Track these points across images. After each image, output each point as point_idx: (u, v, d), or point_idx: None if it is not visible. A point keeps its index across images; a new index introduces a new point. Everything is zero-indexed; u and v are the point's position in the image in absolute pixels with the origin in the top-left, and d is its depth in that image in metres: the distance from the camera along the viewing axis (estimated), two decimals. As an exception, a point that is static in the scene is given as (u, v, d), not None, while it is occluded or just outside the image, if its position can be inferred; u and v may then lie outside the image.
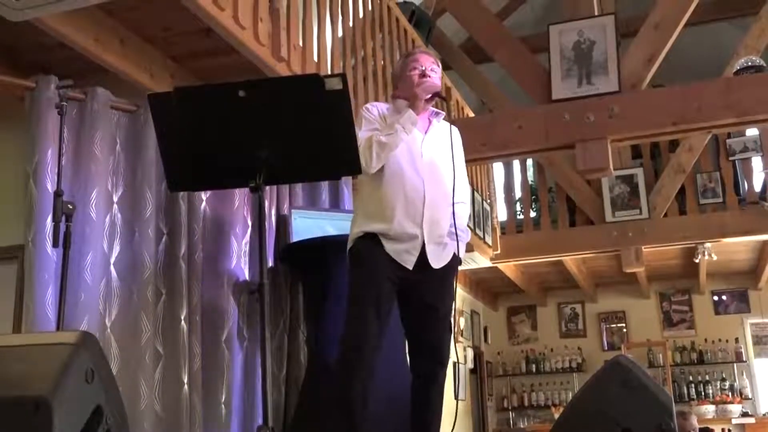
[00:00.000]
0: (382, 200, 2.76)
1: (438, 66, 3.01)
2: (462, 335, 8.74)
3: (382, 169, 2.76)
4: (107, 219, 3.13)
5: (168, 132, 2.23)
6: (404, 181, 2.77)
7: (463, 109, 6.92)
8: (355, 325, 2.61)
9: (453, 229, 2.83)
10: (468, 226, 6.48)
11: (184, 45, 3.44)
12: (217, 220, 3.53)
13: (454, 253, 2.83)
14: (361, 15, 4.72)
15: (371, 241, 2.72)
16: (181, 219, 3.32)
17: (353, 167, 2.34)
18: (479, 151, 4.66)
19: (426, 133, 2.90)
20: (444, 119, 3.03)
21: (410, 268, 2.71)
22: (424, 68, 2.93)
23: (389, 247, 2.71)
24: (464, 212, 2.93)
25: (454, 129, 2.99)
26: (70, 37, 3.05)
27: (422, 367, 2.76)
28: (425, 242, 2.74)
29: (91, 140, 3.10)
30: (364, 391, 2.56)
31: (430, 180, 2.81)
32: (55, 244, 2.58)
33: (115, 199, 3.19)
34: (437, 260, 2.78)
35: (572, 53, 4.53)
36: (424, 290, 2.75)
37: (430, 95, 2.88)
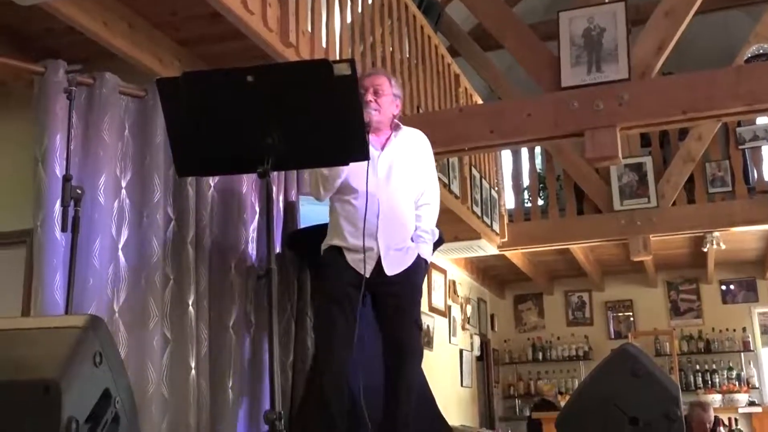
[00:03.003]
0: (338, 219, 3.05)
1: (383, 88, 3.11)
2: (468, 323, 8.75)
3: (339, 190, 3.03)
4: (115, 204, 3.14)
5: (176, 117, 2.23)
6: (357, 201, 2.99)
7: (471, 96, 6.90)
8: (322, 325, 2.92)
9: (417, 233, 3.07)
10: (473, 212, 6.46)
11: (191, 30, 3.44)
12: (225, 205, 3.53)
13: (419, 254, 3.03)
14: (369, 1, 4.70)
15: (335, 252, 3.01)
16: (189, 204, 3.32)
17: (361, 153, 2.33)
18: (487, 138, 4.64)
19: (383, 149, 3.10)
20: (404, 124, 3.22)
21: (366, 275, 2.95)
22: (365, 93, 3.06)
23: (349, 257, 2.99)
24: (428, 214, 3.15)
25: (418, 134, 3.23)
26: (79, 22, 3.06)
27: (389, 361, 2.97)
28: (380, 252, 2.97)
29: (100, 125, 3.10)
30: (336, 381, 2.84)
31: (387, 193, 3.02)
32: (63, 229, 2.58)
33: (124, 184, 3.20)
34: (395, 266, 2.99)
35: (582, 40, 4.50)
36: (387, 291, 2.97)
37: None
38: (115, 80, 3.20)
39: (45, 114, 2.95)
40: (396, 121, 3.21)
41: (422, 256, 3.07)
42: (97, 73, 3.16)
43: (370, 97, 3.06)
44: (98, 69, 3.19)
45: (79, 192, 2.63)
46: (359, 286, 2.93)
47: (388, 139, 3.14)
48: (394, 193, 3.05)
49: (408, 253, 3.04)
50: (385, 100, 3.10)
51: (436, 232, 3.19)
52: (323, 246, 3.10)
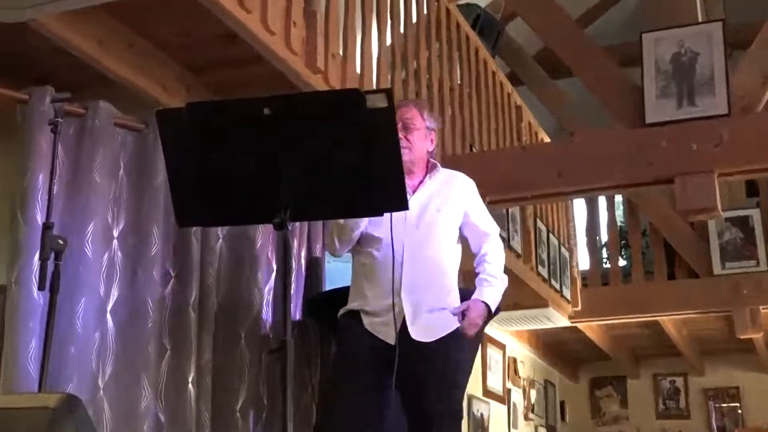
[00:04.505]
0: (358, 275, 3.09)
1: (415, 122, 3.15)
2: (533, 411, 8.62)
3: (360, 242, 3.07)
4: (105, 257, 3.17)
5: (178, 155, 2.27)
6: (379, 252, 3.02)
7: (536, 133, 6.91)
8: (341, 412, 2.91)
9: (482, 276, 3.07)
10: (539, 273, 6.42)
11: (203, 53, 3.51)
12: (236, 261, 3.55)
13: (460, 325, 2.99)
14: (414, 19, 4.77)
15: (353, 318, 3.02)
16: (193, 260, 3.35)
17: (399, 201, 2.34)
18: (555, 184, 4.64)
19: (414, 192, 3.11)
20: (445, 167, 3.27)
21: (391, 342, 2.91)
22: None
23: (367, 321, 2.99)
24: (495, 256, 3.17)
25: (461, 177, 3.25)
26: (69, 41, 3.14)
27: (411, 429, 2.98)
28: (405, 313, 2.95)
29: (90, 163, 3.16)
30: None
31: (416, 243, 3.02)
32: (40, 287, 2.62)
33: (116, 233, 3.24)
34: (427, 331, 2.96)
35: (670, 67, 4.50)
36: (416, 363, 2.93)
37: None
38: (110, 110, 3.26)
39: (28, 149, 3.01)
40: (433, 160, 3.24)
41: (482, 299, 3.03)
42: (89, 101, 3.22)
43: (402, 125, 3.08)
44: (91, 97, 3.26)
45: (62, 243, 2.67)
46: (384, 358, 2.90)
47: (421, 182, 3.16)
48: (426, 243, 3.05)
49: (442, 318, 3.01)
50: (416, 136, 3.12)
51: (505, 279, 3.18)
52: (340, 312, 3.11)
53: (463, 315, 2.98)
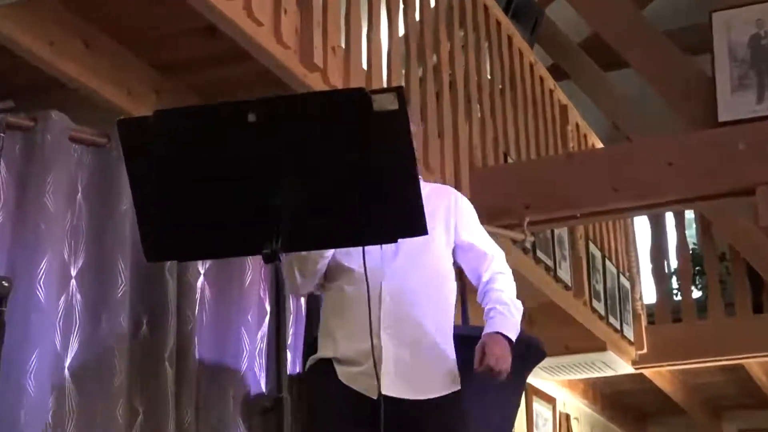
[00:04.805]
0: (327, 316, 3.07)
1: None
2: (590, 476, 8.57)
3: (328, 276, 3.04)
4: (62, 301, 3.17)
5: (145, 174, 2.26)
6: (351, 286, 2.97)
7: (586, 136, 6.89)
8: None
9: (490, 306, 3.06)
10: (594, 309, 6.38)
11: (175, 50, 3.53)
12: (221, 303, 3.55)
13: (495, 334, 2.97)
14: (432, 3, 4.78)
15: (324, 370, 2.96)
16: (168, 302, 3.35)
17: (418, 225, 2.33)
18: (610, 199, 4.64)
19: None
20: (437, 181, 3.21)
21: (374, 396, 2.82)
22: None
23: (341, 371, 2.92)
24: (505, 283, 3.16)
25: (446, 191, 3.26)
26: (14, 39, 3.16)
27: None
28: (385, 359, 2.87)
29: (41, 186, 3.15)
30: None
31: (396, 273, 2.97)
32: (-18, 339, 2.62)
33: (74, 272, 3.23)
34: (417, 384, 2.89)
35: (748, 53, 4.49)
36: (408, 423, 2.86)
37: None
38: (64, 122, 3.26)
39: (-37, 172, 3.04)
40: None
41: (496, 330, 3.01)
42: (39, 111, 3.22)
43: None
44: (41, 106, 3.26)
45: (6, 285, 2.67)
46: (366, 418, 2.81)
47: None
48: (409, 272, 3.00)
49: (443, 363, 2.97)
50: None
51: (520, 305, 3.14)
52: (307, 364, 3.08)
53: (480, 361, 2.95)
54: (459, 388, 2.98)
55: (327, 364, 2.96)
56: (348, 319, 2.97)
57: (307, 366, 3.07)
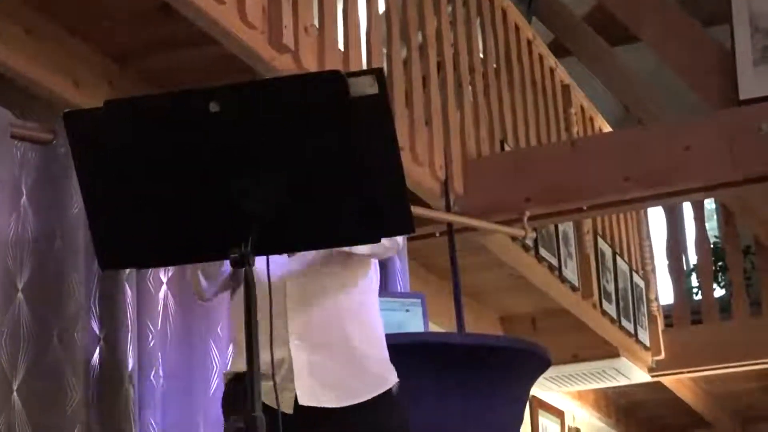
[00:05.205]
0: (238, 324, 2.96)
1: None
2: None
3: (234, 278, 2.98)
4: (8, 318, 3.16)
5: (96, 173, 2.25)
6: (261, 288, 2.81)
7: (592, 120, 6.90)
8: None
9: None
10: (604, 312, 6.37)
11: (128, 33, 3.51)
12: (187, 314, 3.55)
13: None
14: (416, -24, 4.78)
15: (239, 386, 2.85)
16: (128, 315, 3.34)
17: (404, 222, 2.32)
18: (621, 189, 4.65)
19: None
20: None
21: (285, 409, 2.78)
22: None
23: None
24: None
25: None
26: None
27: None
28: (295, 368, 2.85)
29: (-20, 189, 3.16)
30: None
31: (293, 273, 2.94)
32: None
33: (20, 284, 3.22)
34: (331, 390, 2.86)
35: (771, 22, 4.50)
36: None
37: None
38: (4, 117, 3.25)
39: None
40: None
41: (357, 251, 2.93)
42: (-26, 106, 3.24)
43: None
44: (-23, 100, 3.27)
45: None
46: None
47: None
48: (312, 271, 2.96)
49: (359, 367, 2.92)
50: None
51: (399, 241, 3.05)
52: (225, 380, 3.02)
53: None
54: (388, 388, 2.94)
55: (243, 380, 2.94)
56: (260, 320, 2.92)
57: (225, 381, 3.00)
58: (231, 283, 3.04)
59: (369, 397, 2.91)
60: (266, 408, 2.77)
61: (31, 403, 3.14)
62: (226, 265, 2.96)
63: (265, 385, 2.79)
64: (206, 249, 2.37)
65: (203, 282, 2.99)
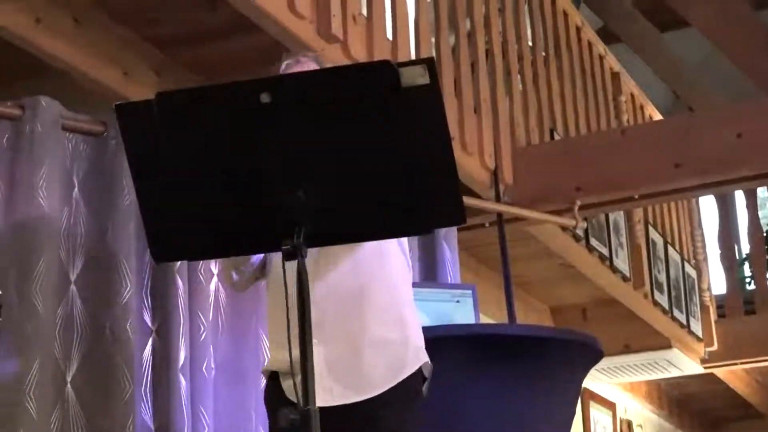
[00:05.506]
0: (269, 321, 3.01)
1: None
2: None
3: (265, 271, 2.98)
4: (60, 309, 3.19)
5: (148, 165, 2.26)
6: (276, 281, 2.83)
7: (642, 108, 6.85)
8: None
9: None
10: (656, 303, 6.34)
11: (177, 24, 3.52)
12: (238, 306, 3.56)
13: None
14: (464, -37, 4.77)
15: (273, 383, 2.89)
16: (179, 308, 3.35)
17: (453, 213, 2.32)
18: (672, 178, 4.63)
19: None
20: None
21: (310, 404, 2.70)
22: None
23: (285, 384, 2.85)
24: None
25: None
26: (-4, 19, 3.17)
27: None
28: (317, 363, 2.69)
29: (32, 182, 3.17)
30: None
31: (313, 262, 2.75)
32: (-26, 353, 2.63)
33: (73, 276, 3.25)
34: (351, 385, 2.81)
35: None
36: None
37: None
38: (55, 109, 3.27)
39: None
40: None
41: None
42: (26, 98, 3.23)
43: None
44: (29, 92, 3.27)
45: (0, 293, 2.69)
46: None
47: None
48: (327, 258, 2.89)
49: (390, 354, 2.87)
50: None
51: None
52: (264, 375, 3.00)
53: None
54: (409, 374, 2.87)
55: (276, 377, 2.90)
56: (280, 322, 2.87)
57: (264, 376, 2.99)
58: (262, 273, 3.03)
59: (387, 387, 2.84)
60: (290, 407, 2.78)
61: (84, 395, 3.17)
62: (255, 258, 2.98)
63: (291, 383, 2.76)
64: (258, 241, 2.38)
65: (234, 274, 3.00)
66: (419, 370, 2.88)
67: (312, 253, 2.84)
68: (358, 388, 2.84)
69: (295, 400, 2.70)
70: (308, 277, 2.75)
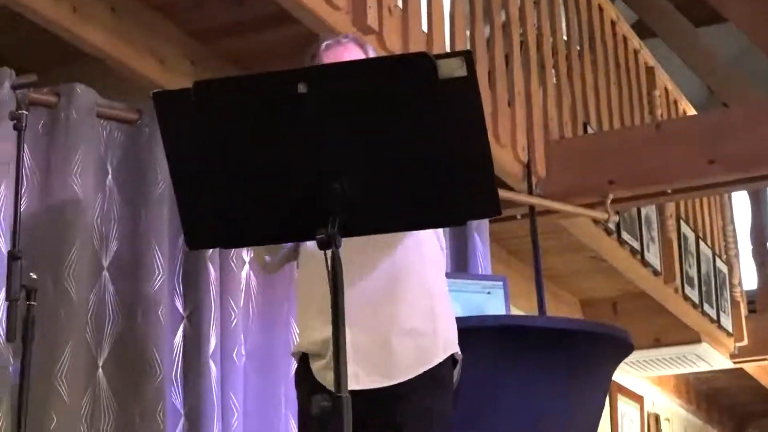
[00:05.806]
0: (299, 303, 3.01)
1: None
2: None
3: (296, 253, 2.97)
4: (93, 295, 3.21)
5: (184, 153, 2.27)
6: (310, 263, 2.88)
7: (676, 102, 6.83)
8: None
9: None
10: (686, 297, 6.31)
11: (212, 14, 3.54)
12: (269, 294, 3.58)
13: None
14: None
15: (303, 365, 2.90)
16: (211, 294, 3.37)
17: (488, 205, 2.32)
18: (705, 172, 4.61)
19: None
20: None
21: (341, 392, 2.70)
22: None
23: (314, 366, 2.85)
24: None
25: None
26: (33, 7, 3.17)
27: None
28: (348, 347, 2.72)
29: (67, 168, 3.19)
30: None
31: (351, 245, 2.77)
32: (9, 337, 2.63)
33: (106, 262, 3.27)
34: (378, 372, 2.80)
35: None
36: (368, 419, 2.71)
37: None
38: (91, 96, 3.29)
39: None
40: None
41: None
42: (62, 85, 3.25)
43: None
44: (65, 79, 3.29)
45: (34, 278, 2.69)
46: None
47: None
48: (365, 242, 2.74)
49: (418, 346, 2.85)
50: None
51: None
52: (294, 357, 3.01)
53: None
54: (437, 363, 2.87)
55: (305, 360, 2.90)
56: (312, 304, 2.87)
57: (295, 359, 2.99)
58: (293, 255, 3.02)
59: (412, 375, 2.83)
60: (319, 389, 2.77)
61: (115, 380, 3.19)
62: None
63: (320, 365, 2.83)
64: (292, 229, 2.38)
65: (267, 257, 3.01)
66: (448, 360, 2.88)
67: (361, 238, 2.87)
68: (384, 373, 2.83)
69: (323, 383, 2.79)
70: (359, 259, 2.82)
